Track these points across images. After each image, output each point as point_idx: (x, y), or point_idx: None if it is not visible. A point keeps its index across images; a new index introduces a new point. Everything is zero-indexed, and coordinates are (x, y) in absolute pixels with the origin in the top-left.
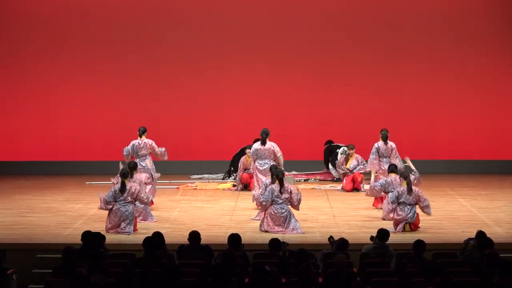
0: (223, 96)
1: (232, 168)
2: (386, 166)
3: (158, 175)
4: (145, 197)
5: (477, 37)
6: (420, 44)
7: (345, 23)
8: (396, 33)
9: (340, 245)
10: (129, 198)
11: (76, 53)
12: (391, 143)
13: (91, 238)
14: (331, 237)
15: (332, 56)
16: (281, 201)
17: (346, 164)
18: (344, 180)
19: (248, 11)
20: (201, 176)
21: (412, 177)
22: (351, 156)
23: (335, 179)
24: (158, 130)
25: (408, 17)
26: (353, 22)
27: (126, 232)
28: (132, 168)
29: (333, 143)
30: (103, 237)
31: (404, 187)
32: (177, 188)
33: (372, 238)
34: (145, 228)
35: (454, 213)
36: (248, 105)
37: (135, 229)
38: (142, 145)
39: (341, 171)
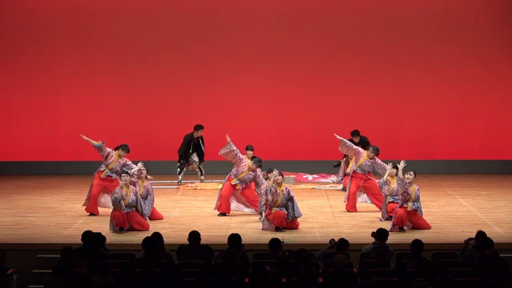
0: (223, 97)
1: (182, 161)
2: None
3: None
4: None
5: (477, 38)
6: (421, 44)
7: (345, 24)
8: (396, 33)
9: (340, 245)
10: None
11: (76, 53)
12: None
13: (91, 238)
14: (332, 240)
15: (332, 56)
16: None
17: (346, 168)
18: (343, 180)
19: (248, 13)
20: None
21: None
22: (350, 159)
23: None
24: (158, 131)
25: (409, 18)
26: (353, 23)
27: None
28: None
29: (360, 135)
30: (103, 238)
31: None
32: (177, 188)
33: (373, 234)
34: None
35: (454, 213)
36: (248, 106)
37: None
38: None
39: (340, 178)
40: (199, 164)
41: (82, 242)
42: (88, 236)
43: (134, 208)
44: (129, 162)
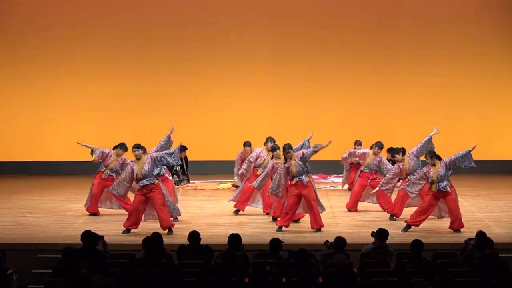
0: (223, 96)
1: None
2: None
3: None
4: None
5: (476, 38)
6: (419, 45)
7: (345, 24)
8: (395, 34)
9: (337, 244)
10: None
11: (75, 55)
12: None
13: (91, 238)
14: (327, 241)
15: (331, 58)
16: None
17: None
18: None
19: (248, 13)
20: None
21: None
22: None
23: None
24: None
25: (407, 18)
26: (352, 24)
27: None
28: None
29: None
30: (98, 237)
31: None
32: (177, 188)
33: (373, 233)
34: (145, 228)
35: None
36: (248, 107)
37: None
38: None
39: (345, 170)
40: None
41: (82, 242)
42: (88, 235)
43: (150, 181)
44: (128, 161)
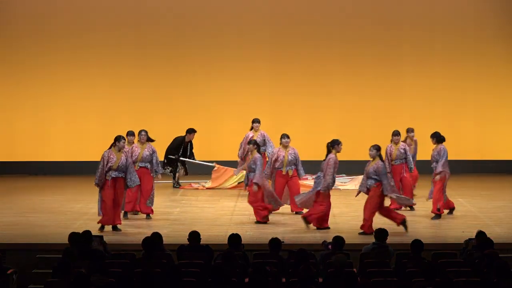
0: (223, 96)
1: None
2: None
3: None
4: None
5: (475, 38)
6: (418, 45)
7: (344, 26)
8: (395, 34)
9: (335, 243)
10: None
11: (74, 54)
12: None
13: (77, 240)
14: (324, 241)
15: (328, 58)
16: None
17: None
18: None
19: (246, 12)
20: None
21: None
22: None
23: None
24: (156, 131)
25: (407, 19)
26: (352, 23)
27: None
28: None
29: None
30: (101, 237)
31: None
32: (179, 187)
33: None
34: (145, 228)
35: (454, 213)
36: (246, 106)
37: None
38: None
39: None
40: (185, 165)
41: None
42: (88, 235)
43: (121, 175)
44: (127, 149)
